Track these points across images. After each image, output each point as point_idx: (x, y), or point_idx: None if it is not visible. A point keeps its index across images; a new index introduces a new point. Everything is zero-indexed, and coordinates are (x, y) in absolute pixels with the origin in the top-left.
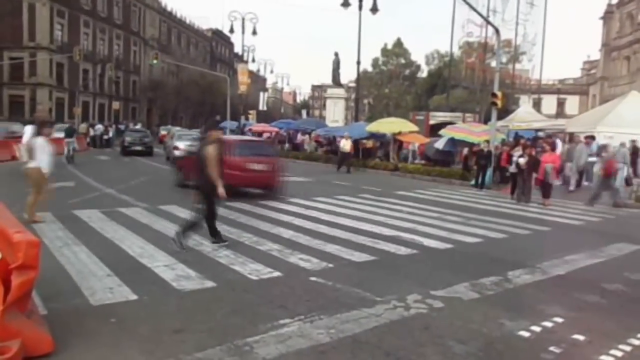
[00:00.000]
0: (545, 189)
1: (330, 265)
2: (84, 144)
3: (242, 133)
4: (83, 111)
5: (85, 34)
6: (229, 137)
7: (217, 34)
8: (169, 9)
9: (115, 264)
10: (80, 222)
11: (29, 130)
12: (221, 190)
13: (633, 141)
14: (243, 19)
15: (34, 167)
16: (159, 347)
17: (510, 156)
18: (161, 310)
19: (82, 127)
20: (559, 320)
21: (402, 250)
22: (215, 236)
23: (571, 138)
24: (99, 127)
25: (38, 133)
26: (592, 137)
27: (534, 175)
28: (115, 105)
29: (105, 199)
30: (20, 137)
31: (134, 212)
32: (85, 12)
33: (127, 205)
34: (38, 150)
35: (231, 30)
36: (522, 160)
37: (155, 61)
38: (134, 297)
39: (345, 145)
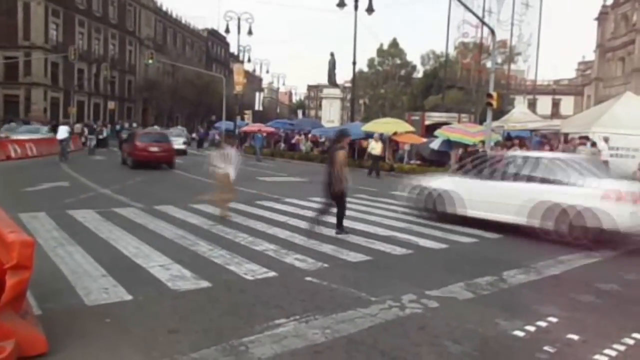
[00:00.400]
0: None
1: (326, 265)
2: (78, 143)
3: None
4: (78, 111)
5: (81, 34)
6: (138, 130)
7: (213, 34)
8: (164, 8)
9: (111, 264)
10: (75, 222)
11: (63, 130)
12: (345, 187)
13: (593, 142)
14: (239, 19)
15: (224, 172)
16: (154, 347)
17: None
18: (156, 311)
19: (77, 127)
20: (554, 320)
21: (398, 250)
22: (340, 227)
23: (566, 139)
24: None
25: (228, 143)
26: (587, 138)
27: None
28: (111, 105)
29: (100, 199)
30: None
31: (129, 212)
32: (80, 12)
33: (122, 206)
34: (227, 158)
35: (227, 31)
36: None
37: (150, 61)
38: (129, 297)
39: (376, 147)
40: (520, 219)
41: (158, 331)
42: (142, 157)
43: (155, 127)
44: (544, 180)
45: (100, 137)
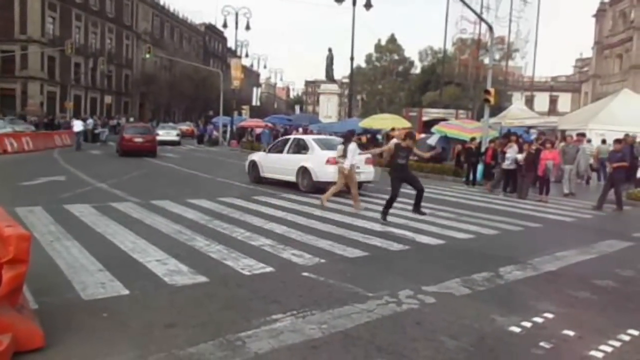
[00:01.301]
0: (545, 186)
1: (323, 260)
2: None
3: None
4: (75, 105)
5: (77, 27)
6: (125, 124)
7: (210, 28)
8: (161, 2)
9: (107, 258)
10: (72, 217)
11: (78, 124)
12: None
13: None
14: (236, 14)
15: (348, 165)
16: (151, 341)
17: (495, 152)
18: (153, 305)
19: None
20: (550, 316)
21: (394, 246)
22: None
23: (563, 137)
24: (91, 122)
25: (350, 140)
26: (583, 135)
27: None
28: (108, 99)
29: (97, 194)
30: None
31: (126, 206)
32: (77, 5)
33: (118, 200)
34: (351, 153)
35: (224, 25)
36: (520, 157)
37: (148, 55)
38: (126, 291)
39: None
40: (291, 178)
41: (155, 326)
42: (129, 147)
43: (170, 123)
44: (301, 152)
45: (97, 131)
